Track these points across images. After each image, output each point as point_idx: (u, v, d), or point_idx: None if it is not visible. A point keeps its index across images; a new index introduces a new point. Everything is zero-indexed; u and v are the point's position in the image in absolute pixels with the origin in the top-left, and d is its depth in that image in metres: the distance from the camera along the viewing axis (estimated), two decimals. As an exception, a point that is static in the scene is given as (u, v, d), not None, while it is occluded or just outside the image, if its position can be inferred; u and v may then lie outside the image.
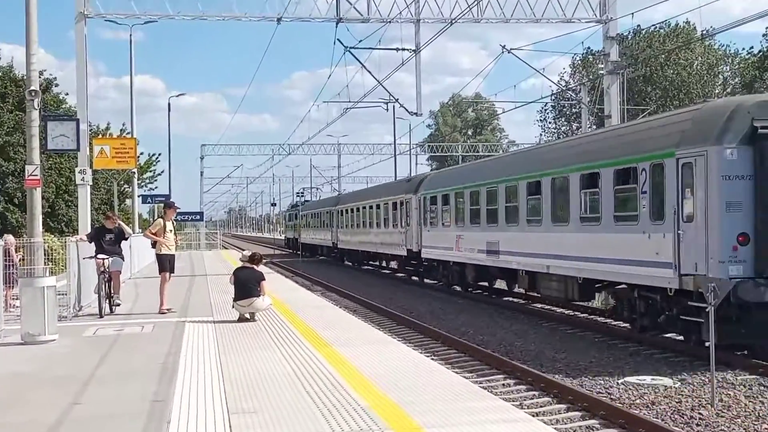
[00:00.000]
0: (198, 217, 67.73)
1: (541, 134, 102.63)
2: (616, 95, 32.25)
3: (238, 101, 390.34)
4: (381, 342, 15.25)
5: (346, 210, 57.07)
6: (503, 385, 15.99)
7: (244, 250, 21.90)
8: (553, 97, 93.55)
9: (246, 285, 18.17)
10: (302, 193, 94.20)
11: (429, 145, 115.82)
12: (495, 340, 21.65)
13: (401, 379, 11.40)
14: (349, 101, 52.79)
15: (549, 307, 28.21)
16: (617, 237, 20.07)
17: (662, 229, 18.07)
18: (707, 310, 14.97)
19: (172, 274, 20.97)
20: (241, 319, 18.12)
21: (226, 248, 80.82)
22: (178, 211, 26.15)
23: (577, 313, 26.61)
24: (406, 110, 43.17)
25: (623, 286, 20.62)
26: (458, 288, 34.60)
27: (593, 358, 18.52)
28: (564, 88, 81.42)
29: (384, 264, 51.42)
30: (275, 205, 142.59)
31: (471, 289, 33.73)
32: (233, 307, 18.37)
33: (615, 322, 23.31)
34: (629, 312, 20.85)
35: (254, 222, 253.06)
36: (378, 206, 47.45)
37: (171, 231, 20.69)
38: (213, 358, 13.35)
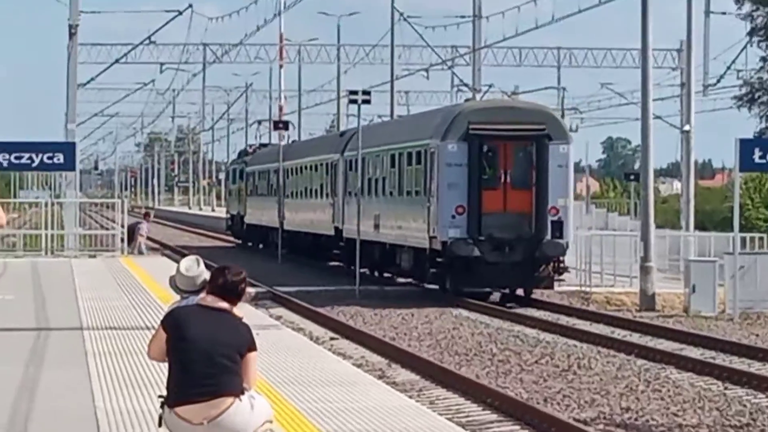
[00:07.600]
0: (60, 159, 29.15)
1: None
2: None
3: None
4: None
5: (291, 170, 40.20)
6: None
7: (186, 253, 11.19)
8: None
9: (207, 361, 5.63)
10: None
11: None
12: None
13: None
14: None
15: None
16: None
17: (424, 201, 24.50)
18: None
19: None
20: None
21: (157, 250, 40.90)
22: None
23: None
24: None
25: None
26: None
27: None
28: None
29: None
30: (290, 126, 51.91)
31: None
32: (161, 425, 5.80)
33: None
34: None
35: (217, 173, 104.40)
36: (314, 167, 36.12)
37: None
38: None
